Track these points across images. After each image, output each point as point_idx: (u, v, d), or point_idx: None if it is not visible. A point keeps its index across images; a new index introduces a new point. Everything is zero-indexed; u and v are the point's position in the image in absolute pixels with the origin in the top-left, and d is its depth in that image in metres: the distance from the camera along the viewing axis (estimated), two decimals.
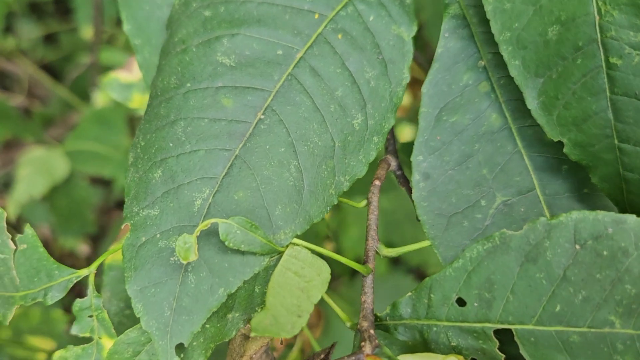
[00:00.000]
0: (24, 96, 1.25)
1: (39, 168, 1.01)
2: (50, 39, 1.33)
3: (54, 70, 1.23)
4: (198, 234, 0.28)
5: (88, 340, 0.32)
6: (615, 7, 0.29)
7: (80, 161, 1.01)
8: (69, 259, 1.14)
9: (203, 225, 0.27)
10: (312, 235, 0.79)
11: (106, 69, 1.02)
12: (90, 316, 0.31)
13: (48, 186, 1.01)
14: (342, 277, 0.75)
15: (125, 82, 0.43)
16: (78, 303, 0.32)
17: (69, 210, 1.07)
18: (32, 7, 1.34)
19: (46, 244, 1.19)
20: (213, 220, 0.28)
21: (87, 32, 1.18)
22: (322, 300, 0.33)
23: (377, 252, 0.33)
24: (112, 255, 0.38)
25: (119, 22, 1.24)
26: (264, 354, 0.31)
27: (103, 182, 1.08)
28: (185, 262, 0.28)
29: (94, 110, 0.97)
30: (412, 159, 0.34)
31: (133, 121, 1.01)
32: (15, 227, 1.13)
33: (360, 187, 0.36)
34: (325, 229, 0.66)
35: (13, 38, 1.21)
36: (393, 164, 0.37)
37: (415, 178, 0.34)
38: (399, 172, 0.37)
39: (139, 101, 0.44)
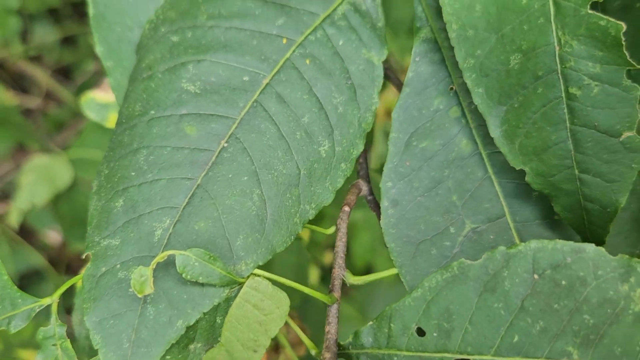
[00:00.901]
0: (41, 99, 1.26)
1: (42, 176, 1.02)
2: (68, 41, 1.34)
3: (71, 73, 1.25)
4: (155, 267, 0.28)
5: None
6: (574, 38, 0.29)
7: (83, 169, 1.01)
8: (78, 263, 1.15)
9: (159, 258, 0.27)
10: (311, 245, 0.78)
11: None
12: (54, 345, 0.31)
13: (51, 194, 1.02)
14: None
15: (101, 102, 0.43)
16: (42, 332, 0.32)
17: (72, 217, 1.08)
18: (49, 11, 1.35)
19: (59, 249, 1.20)
20: (170, 252, 0.28)
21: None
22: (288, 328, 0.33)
23: (343, 280, 0.32)
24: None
25: None
26: None
27: None
28: (140, 296, 0.28)
29: None
30: (381, 185, 0.33)
31: None
32: (21, 233, 1.14)
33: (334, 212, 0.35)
34: (325, 238, 0.65)
35: (31, 41, 1.22)
36: (364, 188, 0.36)
37: (384, 205, 0.33)
38: (370, 197, 0.36)
39: (115, 120, 0.44)
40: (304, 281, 0.50)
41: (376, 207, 0.36)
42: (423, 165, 0.34)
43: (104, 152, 0.95)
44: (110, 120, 0.44)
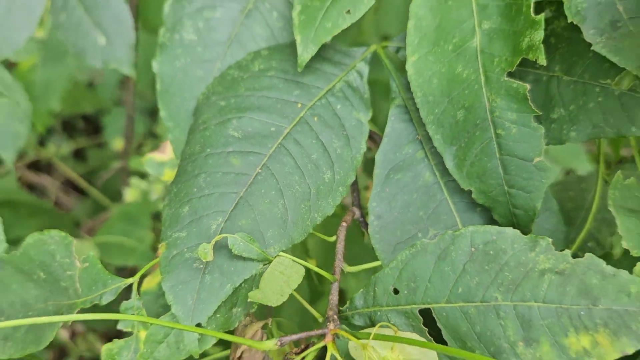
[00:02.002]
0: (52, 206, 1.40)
1: None
2: (78, 154, 1.51)
3: (82, 182, 1.39)
4: (213, 244, 0.40)
5: (129, 334, 0.44)
6: (498, 96, 0.43)
7: (107, 253, 1.13)
8: None
9: (217, 238, 0.40)
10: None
11: (133, 172, 1.17)
12: (134, 313, 0.43)
13: None
14: None
15: (159, 161, 0.57)
16: (124, 304, 0.43)
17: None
18: (64, 124, 1.53)
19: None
20: (224, 235, 0.40)
21: (117, 143, 1.35)
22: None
23: (342, 269, 0.45)
24: (146, 284, 0.50)
25: (145, 136, 1.43)
26: (259, 334, 0.42)
27: (128, 271, 1.19)
28: (205, 261, 0.40)
29: (122, 207, 1.11)
30: (368, 205, 0.47)
31: (156, 218, 1.15)
32: None
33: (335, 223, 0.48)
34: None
35: (44, 152, 1.38)
36: (357, 213, 0.49)
37: (371, 219, 0.46)
38: (361, 219, 0.49)
39: (169, 175, 0.57)
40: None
41: (365, 225, 0.49)
42: (398, 192, 0.47)
43: (127, 237, 1.08)
44: (166, 175, 0.57)
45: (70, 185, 1.45)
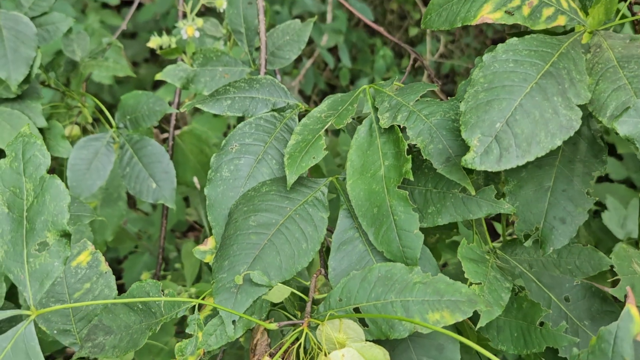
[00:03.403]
0: None
1: None
2: None
3: None
4: (242, 277, 0.75)
5: (191, 336, 0.77)
6: (394, 199, 0.80)
7: (139, 351, 1.43)
8: None
9: (244, 273, 0.75)
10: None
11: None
12: (194, 324, 0.77)
13: None
14: None
15: (203, 250, 0.92)
16: (190, 317, 0.77)
17: None
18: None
19: None
20: (248, 272, 0.76)
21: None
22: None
23: (313, 297, 0.79)
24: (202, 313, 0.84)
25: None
26: (265, 333, 0.75)
27: None
28: (237, 285, 0.75)
29: None
30: (328, 263, 0.82)
31: (179, 324, 1.47)
32: None
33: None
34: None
35: None
36: (322, 271, 0.85)
37: (329, 270, 0.81)
38: (325, 273, 0.85)
39: (209, 258, 0.92)
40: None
41: (326, 274, 0.84)
42: (345, 256, 0.83)
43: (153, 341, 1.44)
44: (207, 259, 0.92)
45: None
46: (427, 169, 0.84)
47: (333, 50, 3.07)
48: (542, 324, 0.81)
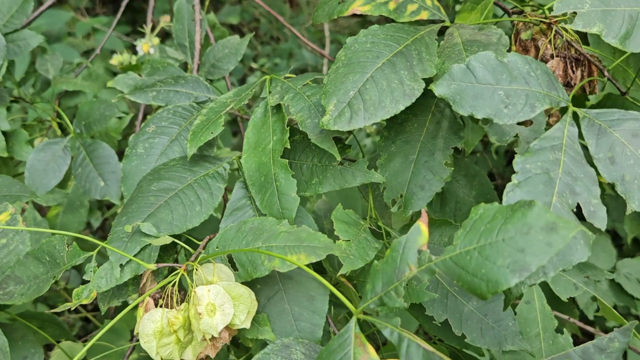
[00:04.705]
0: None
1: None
2: None
3: None
4: (134, 228, 0.85)
5: (88, 282, 0.86)
6: (277, 168, 0.90)
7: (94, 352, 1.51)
8: None
9: (135, 224, 0.85)
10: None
11: None
12: (90, 271, 0.86)
13: None
14: None
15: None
16: (87, 266, 0.87)
17: None
18: None
19: None
20: (138, 223, 0.85)
21: None
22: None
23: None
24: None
25: None
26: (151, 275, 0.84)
27: None
28: (128, 234, 0.85)
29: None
30: (220, 225, 0.91)
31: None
32: None
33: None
34: None
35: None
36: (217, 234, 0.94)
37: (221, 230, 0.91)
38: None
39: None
40: None
41: None
42: (236, 219, 0.92)
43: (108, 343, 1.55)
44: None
45: None
46: (313, 146, 0.94)
47: None
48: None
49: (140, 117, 1.58)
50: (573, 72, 0.94)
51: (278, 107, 0.94)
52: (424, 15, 0.90)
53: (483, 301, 0.88)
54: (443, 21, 0.91)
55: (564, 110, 0.74)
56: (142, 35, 1.63)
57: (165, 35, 2.80)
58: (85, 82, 1.52)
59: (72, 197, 1.55)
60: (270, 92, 0.96)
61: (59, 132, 1.55)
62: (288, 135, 0.89)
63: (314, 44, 3.32)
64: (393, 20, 0.92)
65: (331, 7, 0.93)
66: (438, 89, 0.73)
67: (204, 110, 1.00)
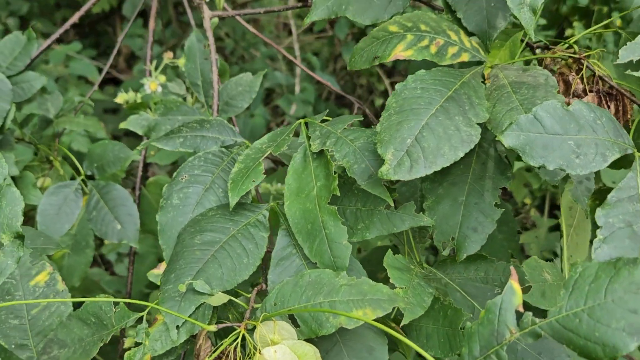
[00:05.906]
0: None
1: None
2: None
3: None
4: (186, 286, 0.83)
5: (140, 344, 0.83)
6: (324, 215, 0.89)
7: None
8: None
9: (187, 282, 0.83)
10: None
11: None
12: (142, 332, 0.83)
13: None
14: None
15: (157, 274, 0.99)
16: (138, 327, 0.84)
17: None
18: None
19: None
20: (191, 281, 0.83)
21: None
22: None
23: (253, 306, 0.86)
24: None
25: None
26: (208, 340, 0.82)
27: None
28: (181, 293, 0.82)
29: None
30: (267, 277, 0.90)
31: None
32: None
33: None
34: None
35: None
36: (264, 285, 0.92)
37: (269, 284, 0.89)
38: (265, 288, 0.92)
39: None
40: None
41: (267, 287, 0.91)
42: (283, 270, 0.90)
43: None
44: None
45: None
46: (356, 190, 0.94)
47: None
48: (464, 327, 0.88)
49: (142, 155, 1.55)
50: (608, 107, 0.96)
51: (319, 153, 0.93)
52: (465, 58, 0.91)
53: None
54: (483, 62, 0.91)
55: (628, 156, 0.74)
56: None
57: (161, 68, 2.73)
58: (88, 120, 1.48)
59: (78, 238, 1.50)
60: (309, 137, 0.95)
61: (61, 171, 1.51)
62: (337, 182, 0.88)
63: (280, 62, 3.31)
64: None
65: (371, 53, 0.92)
66: (507, 140, 0.73)
67: (241, 158, 0.98)
